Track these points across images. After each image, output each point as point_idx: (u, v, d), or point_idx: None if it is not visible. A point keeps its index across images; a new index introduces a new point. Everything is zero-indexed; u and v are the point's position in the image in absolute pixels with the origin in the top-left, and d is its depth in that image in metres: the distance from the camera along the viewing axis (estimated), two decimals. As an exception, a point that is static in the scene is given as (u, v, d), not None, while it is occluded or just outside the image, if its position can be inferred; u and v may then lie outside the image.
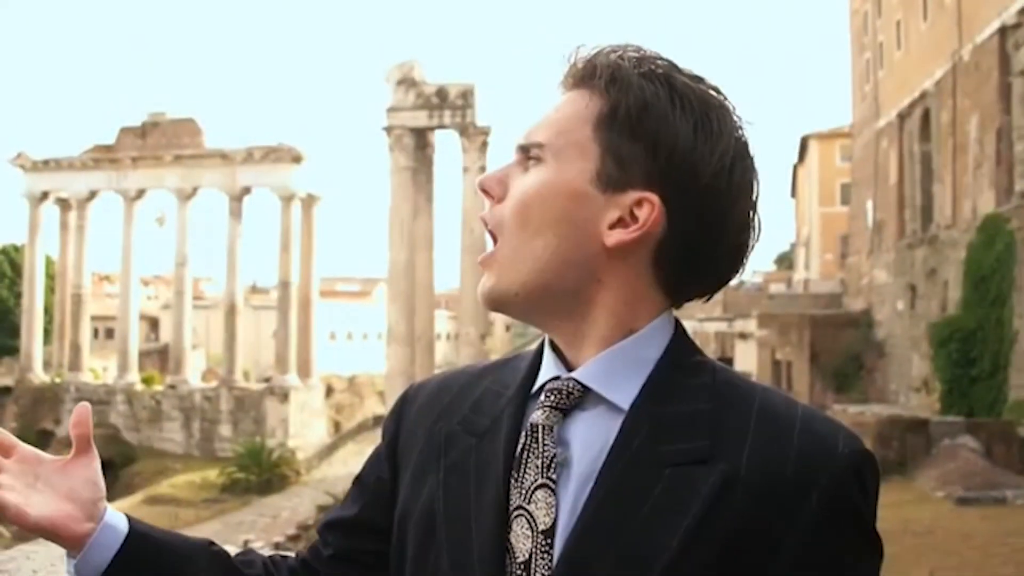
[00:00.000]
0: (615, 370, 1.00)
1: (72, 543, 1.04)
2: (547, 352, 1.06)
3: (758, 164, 1.04)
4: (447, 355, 53.37)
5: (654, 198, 0.98)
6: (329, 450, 40.33)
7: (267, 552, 1.27)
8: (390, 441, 1.16)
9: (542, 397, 1.02)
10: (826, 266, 50.19)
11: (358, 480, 1.19)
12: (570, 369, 1.03)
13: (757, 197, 1.03)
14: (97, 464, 1.08)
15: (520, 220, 1.02)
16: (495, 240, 1.05)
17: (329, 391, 45.54)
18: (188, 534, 1.17)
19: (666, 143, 0.98)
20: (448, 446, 1.08)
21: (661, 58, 1.03)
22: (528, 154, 1.04)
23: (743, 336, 37.29)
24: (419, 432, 1.12)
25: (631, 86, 1.00)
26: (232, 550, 1.18)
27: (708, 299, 1.06)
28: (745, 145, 1.02)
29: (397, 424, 1.17)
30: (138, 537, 1.07)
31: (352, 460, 38.51)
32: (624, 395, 0.99)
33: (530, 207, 1.01)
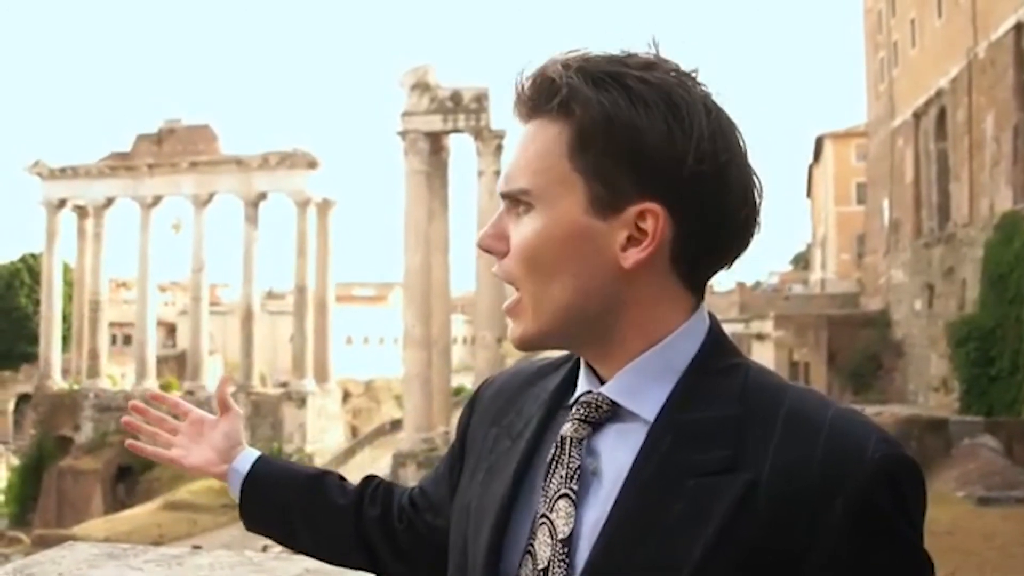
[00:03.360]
0: (641, 382, 0.99)
1: (219, 477, 1.40)
2: (583, 366, 1.06)
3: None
4: (463, 359, 53.35)
5: (655, 207, 0.96)
6: (347, 455, 40.43)
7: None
8: (461, 434, 1.22)
9: (573, 410, 1.03)
10: (843, 266, 49.97)
11: (443, 459, 1.28)
12: (602, 383, 1.03)
13: (747, 156, 1.00)
14: (235, 421, 1.43)
15: (530, 271, 1.00)
16: (517, 288, 1.03)
17: (346, 396, 45.67)
18: (315, 468, 1.45)
19: (642, 149, 0.95)
20: (493, 448, 1.11)
21: (607, 57, 0.99)
22: (516, 201, 1.01)
23: (760, 337, 37.16)
24: (480, 430, 1.16)
25: (588, 103, 0.96)
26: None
27: (730, 267, 1.04)
28: (718, 112, 0.98)
29: (468, 418, 1.22)
30: (256, 476, 1.37)
31: (370, 465, 38.57)
32: (650, 406, 0.98)
33: (536, 257, 0.99)
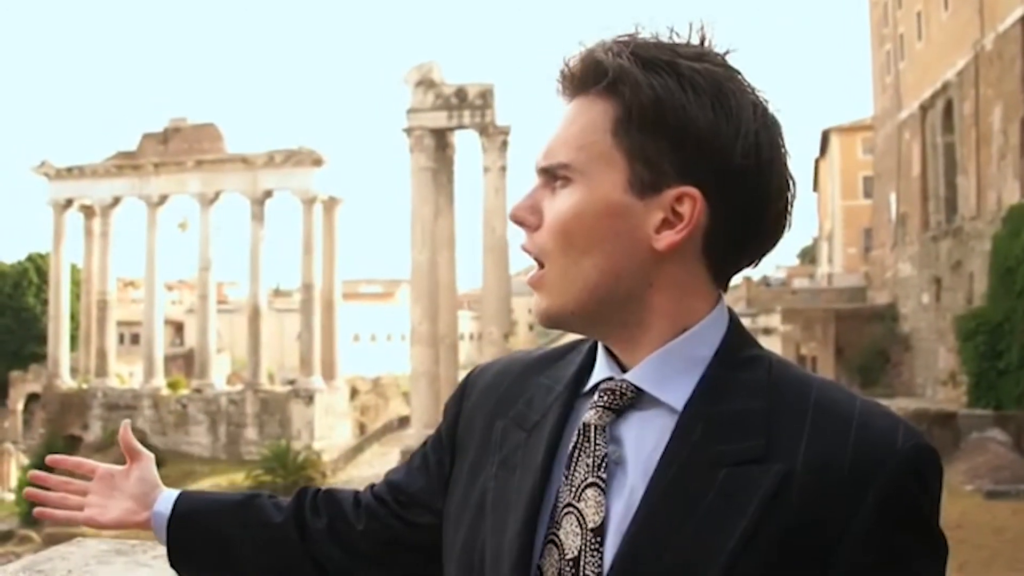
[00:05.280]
0: (668, 370, 0.99)
1: (143, 526, 1.32)
2: (601, 351, 1.06)
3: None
4: (471, 355, 53.36)
5: (694, 191, 0.96)
6: (355, 452, 40.46)
7: None
8: (450, 425, 1.19)
9: (595, 397, 1.02)
10: (849, 260, 49.82)
11: (424, 452, 1.24)
12: (624, 369, 1.02)
13: (787, 156, 1.01)
14: (146, 465, 1.35)
15: (563, 245, 1.00)
16: (541, 264, 1.03)
17: (354, 393, 45.67)
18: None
19: (689, 134, 0.96)
20: (503, 440, 1.09)
21: (658, 42, 1.00)
22: (554, 175, 1.01)
23: (767, 331, 37.09)
24: (477, 421, 1.14)
25: (639, 84, 0.96)
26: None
27: (756, 265, 1.05)
28: (764, 110, 0.99)
29: (458, 409, 1.19)
30: (181, 514, 1.29)
31: (378, 461, 38.60)
32: (677, 395, 0.98)
33: (571, 231, 0.99)
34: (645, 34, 1.01)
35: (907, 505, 0.92)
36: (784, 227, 1.02)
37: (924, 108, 31.89)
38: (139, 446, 1.35)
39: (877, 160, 40.14)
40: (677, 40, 1.01)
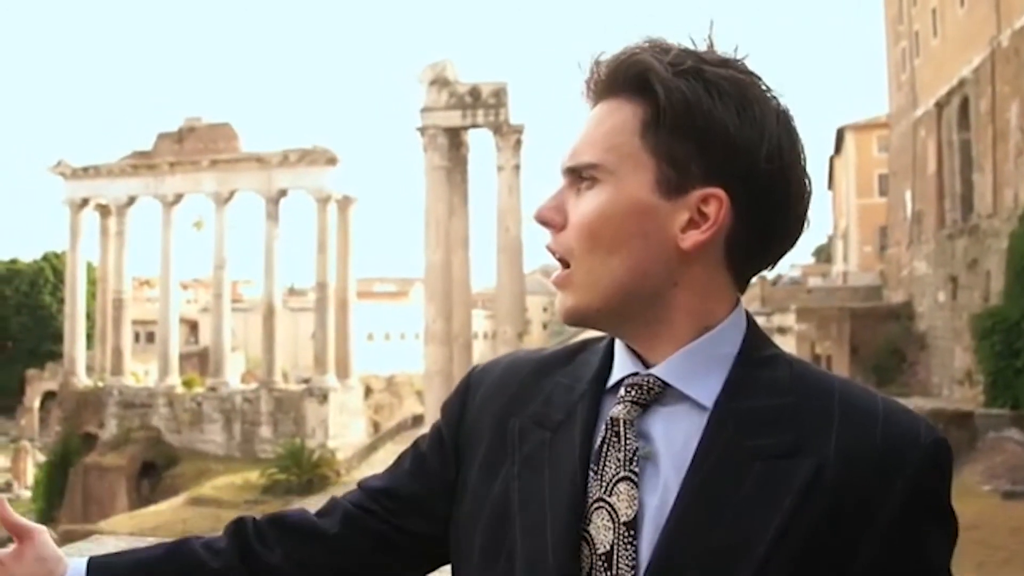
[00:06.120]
0: (695, 367, 1.01)
1: None
2: (620, 348, 1.07)
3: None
4: (484, 354, 53.38)
5: (720, 193, 0.99)
6: (369, 450, 40.51)
7: None
8: (453, 426, 1.17)
9: (622, 392, 1.03)
10: (865, 258, 49.64)
11: (417, 454, 1.19)
12: (646, 364, 1.04)
13: (805, 160, 1.04)
14: (41, 540, 1.14)
15: (590, 245, 1.01)
16: (565, 264, 1.04)
17: (368, 391, 45.76)
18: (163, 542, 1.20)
19: (716, 137, 0.98)
20: (521, 440, 1.08)
21: (683, 49, 1.02)
22: (580, 176, 1.03)
23: (782, 330, 36.99)
24: (485, 421, 1.13)
25: (667, 87, 0.99)
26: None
27: (773, 267, 1.08)
28: (786, 116, 1.02)
29: (461, 409, 1.17)
30: None
31: (392, 460, 38.45)
32: (706, 392, 1.01)
33: (598, 231, 1.01)
34: (667, 41, 1.03)
35: (932, 494, 0.97)
36: (802, 229, 1.05)
37: (940, 105, 31.71)
38: (24, 522, 1.13)
39: (892, 158, 39.95)
40: (696, 48, 1.03)
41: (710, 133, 0.98)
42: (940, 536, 0.99)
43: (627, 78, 1.01)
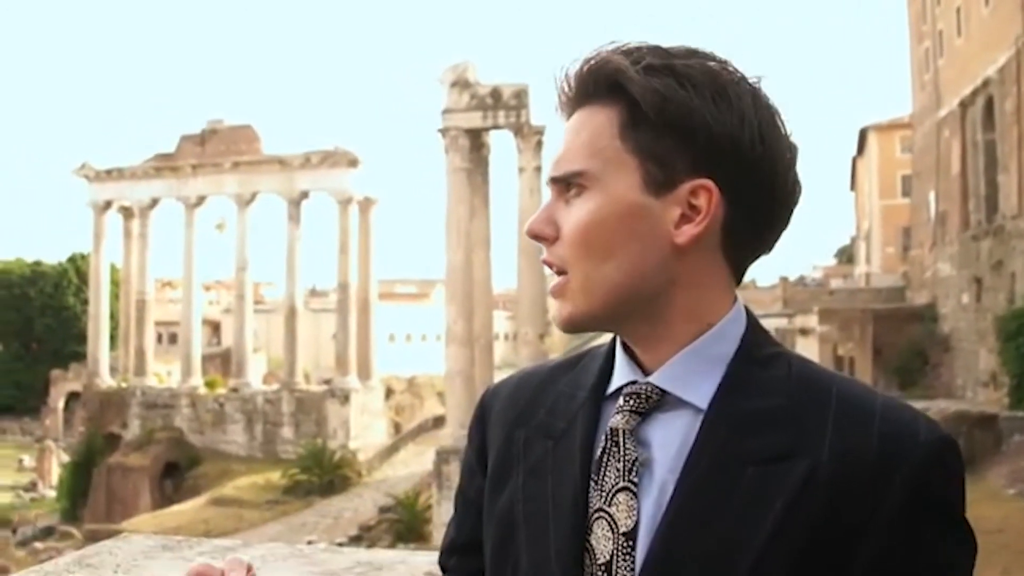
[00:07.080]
0: (692, 371, 1.00)
1: None
2: (620, 354, 1.06)
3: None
4: (506, 355, 53.38)
5: (708, 183, 0.98)
6: (390, 451, 40.64)
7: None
8: (478, 449, 1.17)
9: (620, 401, 1.03)
10: (888, 260, 49.29)
11: (462, 497, 1.19)
12: (645, 370, 1.03)
13: (791, 144, 1.02)
14: None
15: (584, 252, 1.01)
16: (561, 274, 1.03)
17: (389, 392, 45.87)
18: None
19: (695, 127, 0.97)
20: (527, 451, 1.08)
21: (649, 46, 1.02)
22: (567, 185, 1.02)
23: (804, 332, 36.82)
24: (498, 434, 1.13)
25: (640, 85, 0.98)
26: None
27: (769, 251, 1.06)
28: (763, 98, 1.01)
29: (482, 432, 1.17)
30: None
31: (413, 461, 38.76)
32: (701, 395, 0.99)
33: (591, 237, 1.00)
34: (631, 42, 1.03)
35: (933, 493, 0.94)
36: (794, 206, 1.04)
37: (964, 105, 31.47)
38: None
39: (916, 158, 39.67)
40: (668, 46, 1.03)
41: (688, 124, 0.97)
42: (948, 539, 0.95)
43: (598, 82, 1.01)
